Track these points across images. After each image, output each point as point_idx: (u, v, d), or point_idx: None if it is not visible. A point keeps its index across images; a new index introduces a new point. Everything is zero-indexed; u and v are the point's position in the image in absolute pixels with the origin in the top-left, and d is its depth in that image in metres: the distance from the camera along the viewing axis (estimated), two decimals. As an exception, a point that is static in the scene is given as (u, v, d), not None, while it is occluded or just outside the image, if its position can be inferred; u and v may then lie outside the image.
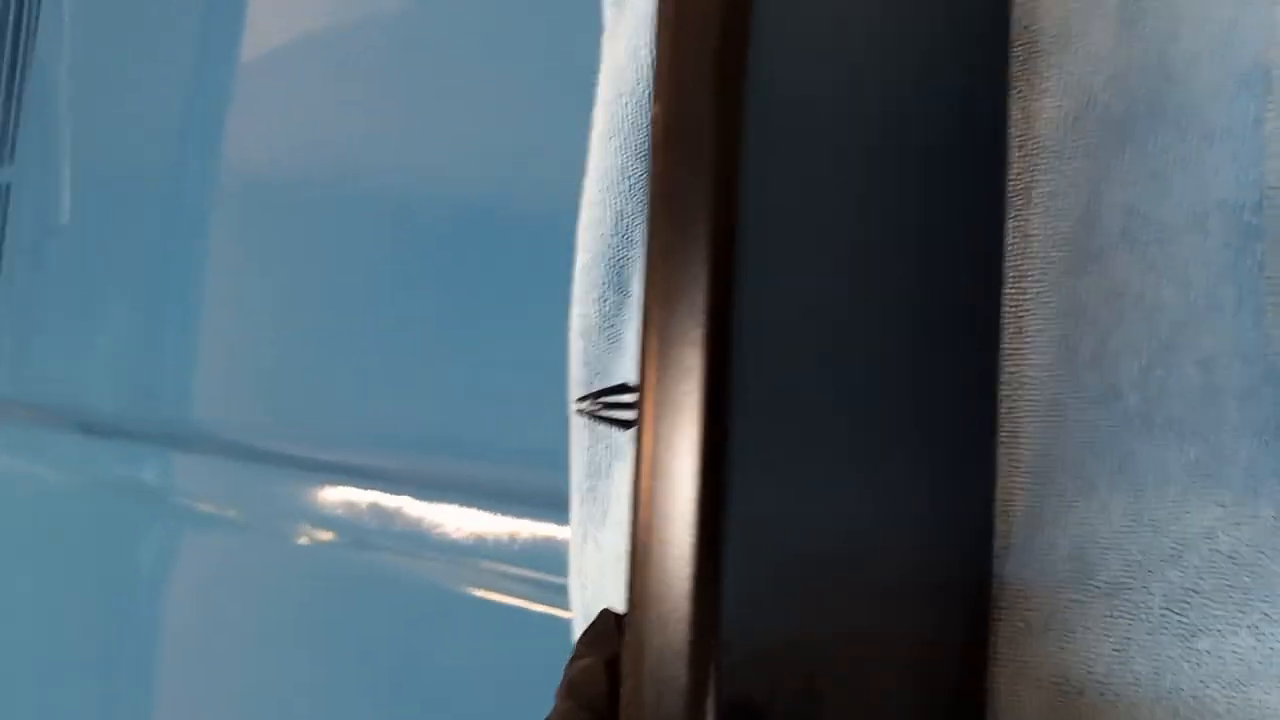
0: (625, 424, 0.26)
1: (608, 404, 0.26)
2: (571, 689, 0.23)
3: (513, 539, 0.47)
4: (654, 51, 0.20)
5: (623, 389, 0.26)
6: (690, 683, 0.18)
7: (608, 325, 0.36)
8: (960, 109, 0.26)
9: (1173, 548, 0.24)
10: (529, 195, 0.51)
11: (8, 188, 0.91)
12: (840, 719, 0.21)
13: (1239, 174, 0.24)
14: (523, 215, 0.51)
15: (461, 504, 0.49)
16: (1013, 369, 0.27)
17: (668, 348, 0.20)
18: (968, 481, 0.25)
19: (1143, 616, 0.24)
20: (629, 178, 0.36)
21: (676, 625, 0.18)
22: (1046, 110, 0.27)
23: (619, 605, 0.32)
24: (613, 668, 0.23)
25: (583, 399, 0.27)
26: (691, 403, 0.19)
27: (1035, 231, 0.27)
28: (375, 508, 0.54)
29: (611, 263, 0.36)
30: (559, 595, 0.45)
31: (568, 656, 0.25)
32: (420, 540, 0.51)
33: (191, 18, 0.75)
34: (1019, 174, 0.27)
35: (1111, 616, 0.25)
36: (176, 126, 0.75)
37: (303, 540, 0.58)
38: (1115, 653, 0.25)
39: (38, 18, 0.90)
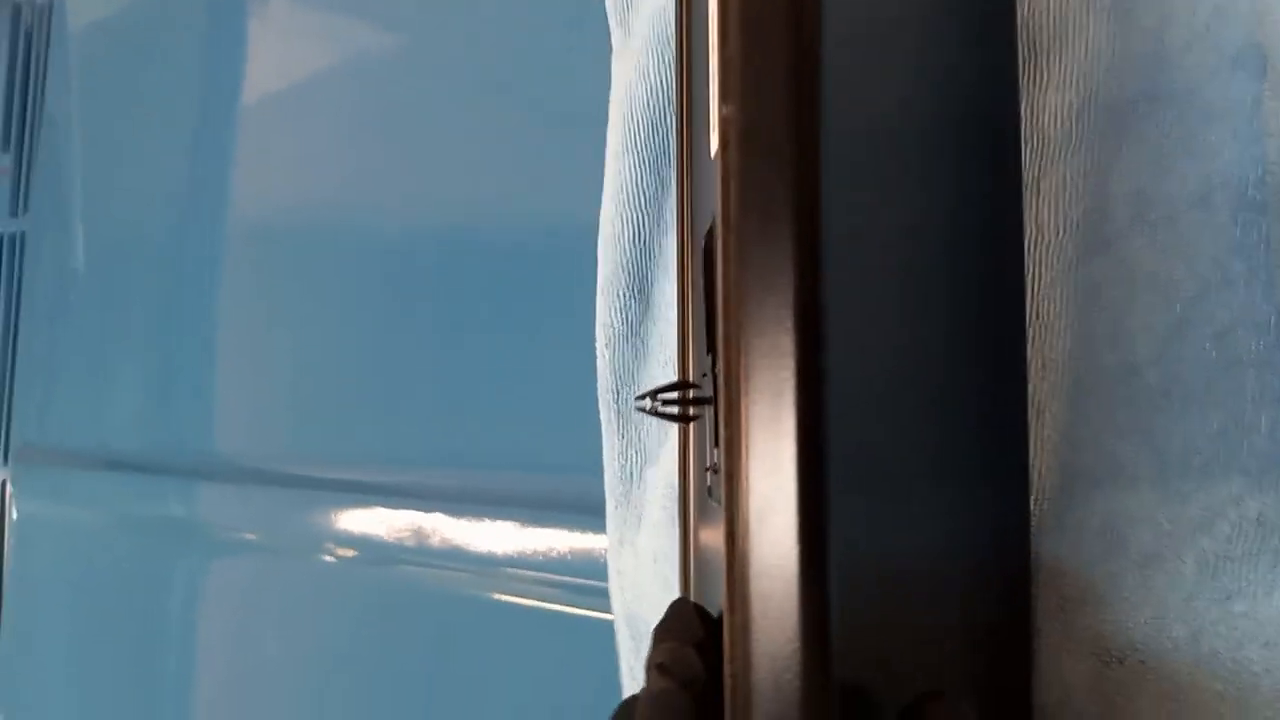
0: (685, 418, 0.26)
1: (666, 400, 0.27)
2: (664, 670, 0.24)
3: (543, 546, 0.48)
4: (719, 54, 0.21)
5: (683, 385, 0.27)
6: (806, 665, 0.19)
7: (633, 334, 0.37)
8: (980, 109, 0.27)
9: (1202, 516, 0.25)
10: (540, 215, 0.52)
11: (23, 237, 0.92)
12: (908, 695, 0.22)
13: (1240, 151, 0.25)
14: (535, 234, 0.52)
15: (489, 515, 0.50)
16: (1035, 354, 0.28)
17: (754, 338, 0.20)
18: (1007, 466, 0.26)
19: (1177, 584, 0.25)
20: (644, 192, 0.37)
21: (784, 611, 0.19)
22: (1051, 104, 0.28)
23: (661, 603, 0.32)
24: (703, 651, 0.24)
25: (641, 397, 0.27)
26: (787, 388, 0.20)
27: (1047, 221, 0.28)
28: (400, 523, 0.55)
29: (632, 274, 0.37)
30: (593, 598, 0.46)
31: (615, 654, 0.26)
32: (447, 553, 0.52)
33: (195, 68, 0.77)
34: (1029, 168, 0.28)
35: (1146, 586, 0.25)
36: (184, 171, 0.76)
37: (329, 559, 0.59)
38: (1153, 620, 0.25)
39: (46, 72, 0.91)
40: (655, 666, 0.24)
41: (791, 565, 0.19)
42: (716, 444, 0.24)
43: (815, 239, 0.20)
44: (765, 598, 0.20)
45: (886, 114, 0.24)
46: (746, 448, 0.20)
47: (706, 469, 0.26)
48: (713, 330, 0.26)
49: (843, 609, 0.20)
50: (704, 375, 0.27)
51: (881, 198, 0.23)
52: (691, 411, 0.27)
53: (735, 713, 0.20)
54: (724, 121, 0.21)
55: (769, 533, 0.20)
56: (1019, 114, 0.28)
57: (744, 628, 0.20)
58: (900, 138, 0.24)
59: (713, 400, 0.25)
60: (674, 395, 0.27)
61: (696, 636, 0.24)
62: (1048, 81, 0.28)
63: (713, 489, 0.25)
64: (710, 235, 0.26)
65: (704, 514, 0.27)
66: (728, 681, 0.20)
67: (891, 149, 0.24)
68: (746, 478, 0.20)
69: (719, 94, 0.21)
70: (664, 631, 0.26)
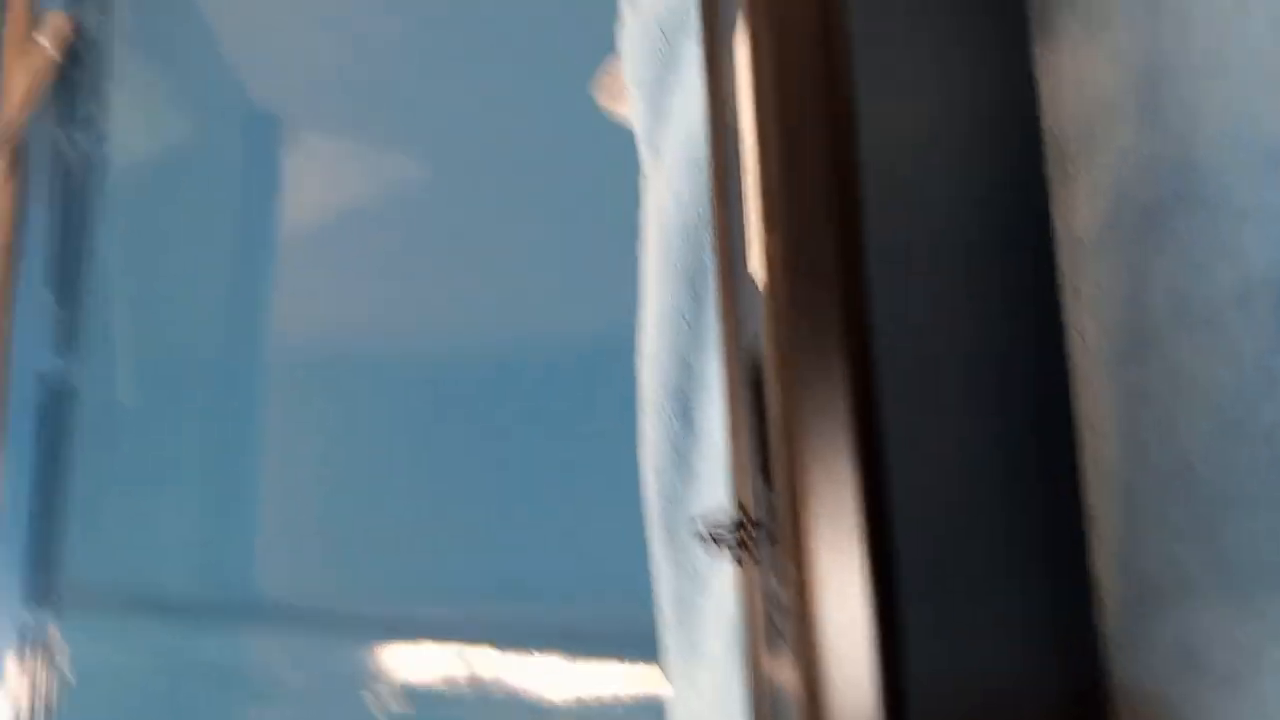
0: (745, 554, 0.26)
1: (722, 533, 0.27)
2: None
3: (594, 680, 0.47)
4: (760, 185, 0.22)
5: (741, 525, 0.27)
6: None
7: (679, 457, 0.37)
8: (1015, 219, 0.27)
9: (1275, 629, 0.24)
10: (575, 338, 0.53)
11: (72, 377, 0.94)
12: None
13: (1275, 252, 0.25)
14: (571, 358, 0.53)
15: (536, 647, 0.49)
16: (1087, 460, 0.27)
17: (814, 467, 0.20)
18: (1071, 578, 0.25)
19: (1260, 702, 0.24)
20: (685, 316, 0.38)
21: None
22: (1081, 210, 0.28)
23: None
24: None
25: (695, 520, 0.27)
26: (850, 516, 0.19)
27: (1087, 326, 0.28)
28: (445, 661, 0.54)
29: (675, 395, 0.37)
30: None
31: None
32: (494, 688, 0.51)
33: (234, 205, 0.79)
34: (1066, 274, 0.28)
35: (1230, 704, 0.25)
36: (225, 306, 0.78)
37: (374, 704, 0.58)
38: (1241, 742, 0.24)
39: (91, 214, 0.94)
40: None
41: (870, 703, 0.19)
42: (779, 581, 0.23)
43: (866, 359, 0.20)
44: None
45: (926, 233, 0.24)
46: (814, 586, 0.20)
47: (769, 604, 0.25)
48: (766, 455, 0.25)
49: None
50: (758, 505, 0.27)
51: (928, 316, 0.23)
52: (750, 546, 0.27)
53: None
54: (769, 252, 0.21)
55: (845, 672, 0.19)
56: (1051, 220, 0.28)
57: None
58: (941, 254, 0.24)
59: (772, 532, 0.25)
60: (730, 531, 0.27)
61: None
62: (1078, 187, 0.29)
63: (780, 627, 0.25)
64: (757, 365, 0.26)
65: (772, 648, 0.27)
66: None
67: (933, 267, 0.24)
68: (817, 618, 0.20)
69: (763, 224, 0.22)
70: None
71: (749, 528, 0.27)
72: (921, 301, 0.23)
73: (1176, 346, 0.27)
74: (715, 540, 0.26)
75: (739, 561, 0.26)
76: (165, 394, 0.83)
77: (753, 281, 0.25)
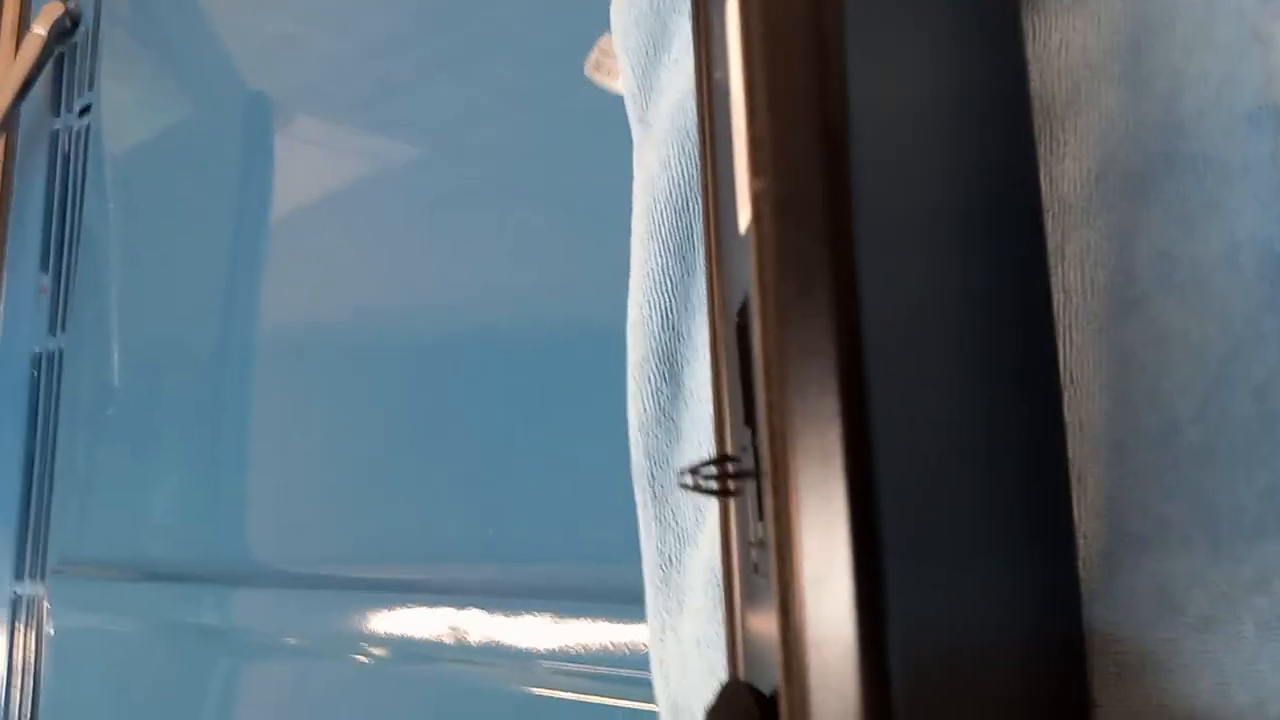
0: (726, 492, 0.26)
1: (707, 476, 0.27)
2: None
3: (581, 638, 0.47)
4: (748, 133, 0.22)
5: (723, 459, 0.27)
6: None
7: (664, 417, 0.37)
8: (1003, 178, 0.28)
9: (1256, 576, 0.24)
10: (567, 309, 0.53)
11: (61, 355, 0.94)
12: None
13: (1263, 210, 0.26)
14: (563, 327, 0.53)
15: (525, 609, 0.49)
16: (1072, 417, 0.27)
17: (798, 403, 0.20)
18: (1054, 529, 0.26)
19: (1238, 648, 0.24)
20: (670, 277, 0.38)
21: (843, 682, 0.18)
22: (1069, 172, 0.29)
23: (707, 690, 0.32)
24: None
25: (683, 472, 0.27)
26: (834, 451, 0.19)
27: (1075, 285, 0.28)
28: (435, 620, 0.54)
29: (662, 358, 0.38)
30: (636, 688, 0.45)
31: None
32: (484, 648, 0.51)
33: (228, 185, 0.79)
34: (1052, 235, 0.29)
35: (1206, 651, 0.25)
36: (218, 285, 0.78)
37: (365, 660, 0.58)
38: (1216, 687, 0.25)
39: (83, 193, 0.94)
40: None
41: (849, 634, 0.19)
42: (760, 517, 0.23)
43: (853, 301, 0.20)
44: (823, 670, 0.19)
45: (913, 183, 0.24)
46: (795, 516, 0.20)
47: (751, 545, 0.26)
48: (751, 403, 0.26)
49: (902, 681, 0.19)
50: (743, 449, 0.27)
51: (915, 263, 0.23)
52: (732, 486, 0.27)
53: None
54: (756, 197, 0.22)
55: (824, 601, 0.19)
56: (1039, 181, 0.29)
57: (802, 702, 0.19)
58: (928, 204, 0.25)
59: (754, 473, 0.25)
60: (714, 471, 0.27)
61: (751, 717, 0.24)
62: (1064, 149, 0.29)
63: (759, 565, 0.25)
64: (743, 311, 0.26)
65: (750, 593, 0.27)
66: None
67: (921, 216, 0.24)
68: (797, 547, 0.20)
69: (750, 171, 0.22)
70: (715, 713, 0.25)
71: (730, 466, 0.27)
72: (908, 250, 0.23)
73: (1163, 306, 0.27)
74: (700, 487, 0.27)
75: (721, 495, 0.26)
76: (156, 370, 0.84)
77: (741, 237, 0.25)
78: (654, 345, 0.38)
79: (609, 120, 0.43)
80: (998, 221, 0.27)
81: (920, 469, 0.22)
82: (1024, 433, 0.26)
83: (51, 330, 0.96)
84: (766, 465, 0.21)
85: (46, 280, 0.97)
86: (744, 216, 0.24)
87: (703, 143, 0.32)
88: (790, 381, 0.20)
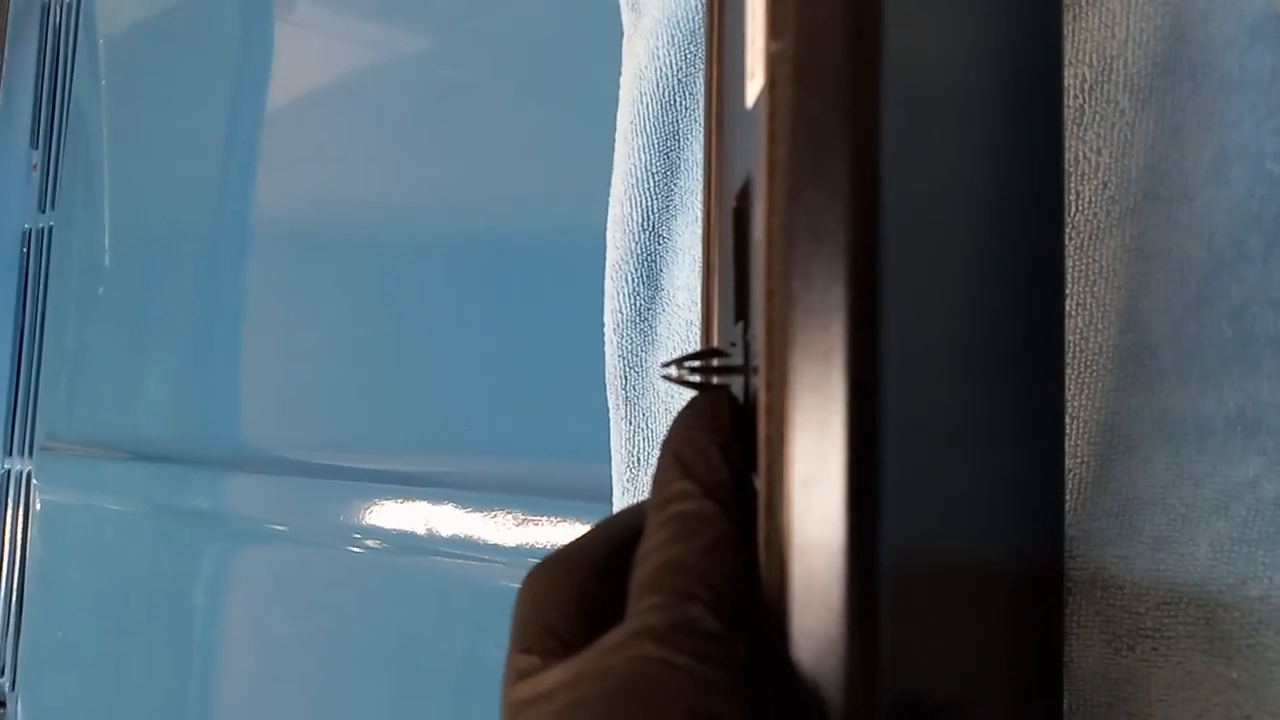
0: (709, 386, 0.25)
1: (693, 369, 0.26)
2: (685, 466, 0.21)
3: (561, 533, 0.48)
4: None
5: (711, 353, 0.26)
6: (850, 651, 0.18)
7: (641, 320, 0.37)
8: (1027, 67, 0.26)
9: (1217, 499, 0.24)
10: (556, 208, 0.52)
11: (50, 232, 0.93)
12: (949, 689, 0.20)
13: (1258, 124, 0.25)
14: (551, 226, 0.52)
15: (507, 504, 0.50)
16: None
17: (801, 293, 0.18)
18: (1045, 440, 0.24)
19: (1190, 568, 0.24)
20: (653, 174, 0.37)
21: (829, 589, 0.18)
22: (1065, 79, 0.28)
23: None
24: (727, 454, 0.21)
25: (667, 364, 0.26)
26: (837, 345, 0.18)
27: (1073, 199, 0.27)
28: (422, 513, 0.55)
29: (641, 258, 0.37)
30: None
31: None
32: (470, 542, 0.52)
33: (223, 66, 0.77)
34: (1067, 141, 0.28)
35: (1158, 569, 0.25)
36: (211, 168, 0.77)
37: (357, 549, 0.59)
38: (1165, 605, 0.25)
39: (74, 69, 0.92)
40: (670, 454, 0.22)
41: (840, 534, 0.18)
42: (750, 409, 0.22)
43: (873, 183, 0.18)
44: (808, 577, 0.18)
45: (948, 58, 0.22)
46: (790, 414, 0.18)
47: None
48: (745, 295, 0.24)
49: (888, 589, 0.18)
50: (732, 345, 0.25)
51: (940, 149, 0.21)
52: (717, 381, 0.26)
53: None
54: (772, 59, 0.19)
55: (814, 505, 0.18)
56: (1061, 73, 0.27)
57: (782, 610, 0.18)
58: (959, 85, 0.22)
59: (742, 369, 0.24)
60: (698, 365, 0.26)
61: (727, 437, 0.22)
62: (1068, 52, 0.28)
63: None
64: (744, 194, 0.24)
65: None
66: (764, 576, 0.19)
67: (951, 97, 0.22)
68: (789, 445, 0.18)
69: (766, 30, 0.20)
70: (689, 418, 0.23)
71: (717, 365, 0.26)
72: (935, 133, 0.21)
73: (1149, 222, 0.26)
74: (685, 380, 0.26)
75: (704, 389, 0.25)
76: (149, 250, 0.83)
77: (749, 110, 0.23)
78: (633, 246, 0.37)
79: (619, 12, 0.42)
80: (1021, 110, 0.25)
81: (923, 372, 0.20)
82: (1028, 347, 0.24)
83: (41, 207, 0.95)
84: (761, 360, 0.19)
85: (36, 156, 0.96)
86: (754, 86, 0.22)
87: (709, 11, 0.30)
88: (795, 267, 0.18)
